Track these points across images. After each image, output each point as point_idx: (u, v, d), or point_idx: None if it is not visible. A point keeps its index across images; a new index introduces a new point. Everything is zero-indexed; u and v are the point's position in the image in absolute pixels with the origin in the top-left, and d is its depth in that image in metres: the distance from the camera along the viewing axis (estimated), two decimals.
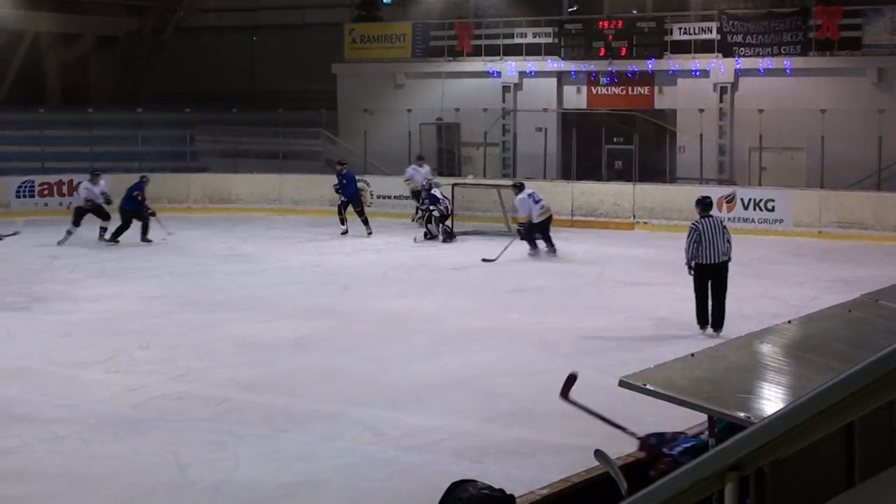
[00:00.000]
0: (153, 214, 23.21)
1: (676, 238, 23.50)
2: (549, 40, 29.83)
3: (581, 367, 12.11)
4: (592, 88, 29.61)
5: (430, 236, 23.62)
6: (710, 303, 13.72)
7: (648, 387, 4.35)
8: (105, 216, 23.10)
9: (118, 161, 29.49)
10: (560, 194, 25.57)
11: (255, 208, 28.84)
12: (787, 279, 18.12)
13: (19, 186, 28.35)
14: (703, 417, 5.52)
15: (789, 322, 5.59)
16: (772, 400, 4.29)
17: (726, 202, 24.30)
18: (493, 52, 30.51)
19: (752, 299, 14.99)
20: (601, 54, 28.84)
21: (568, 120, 30.34)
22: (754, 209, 24.31)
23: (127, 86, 34.78)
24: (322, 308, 15.71)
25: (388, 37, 32.19)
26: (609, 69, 28.95)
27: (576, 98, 29.91)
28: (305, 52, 33.74)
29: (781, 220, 24.30)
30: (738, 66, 27.52)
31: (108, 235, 22.83)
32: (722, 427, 5.73)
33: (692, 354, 4.84)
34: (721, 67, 27.67)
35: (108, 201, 23.28)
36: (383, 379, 11.70)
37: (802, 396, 2.38)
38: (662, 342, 13.05)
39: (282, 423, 10.04)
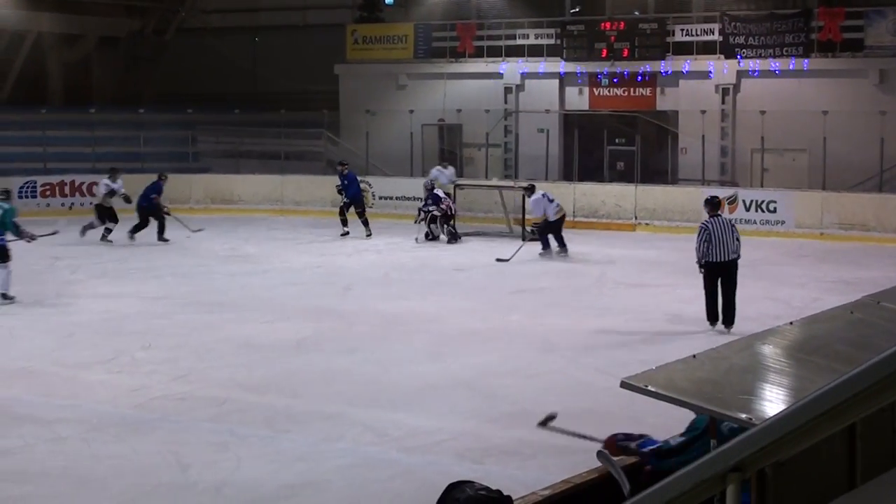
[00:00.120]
0: (167, 213, 23.41)
1: (678, 239, 23.58)
2: (551, 41, 29.83)
3: (582, 368, 12.18)
4: (594, 89, 29.60)
5: (431, 237, 23.60)
6: (720, 300, 13.94)
7: (650, 388, 4.35)
8: (114, 218, 23.18)
9: (120, 162, 29.44)
10: (562, 195, 25.43)
11: (257, 209, 28.85)
12: (789, 280, 18.12)
13: (21, 187, 28.32)
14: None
15: (791, 323, 5.59)
16: (773, 401, 4.29)
17: (728, 203, 24.27)
18: (495, 53, 30.50)
19: (754, 301, 14.98)
20: (603, 55, 28.83)
21: (570, 121, 30.34)
22: (756, 210, 24.32)
23: (129, 86, 34.77)
24: (324, 309, 15.71)
25: (390, 38, 32.19)
26: (611, 70, 28.94)
27: (578, 99, 29.90)
28: (307, 53, 33.75)
29: (783, 222, 24.30)
30: (740, 68, 27.50)
31: (108, 236, 22.82)
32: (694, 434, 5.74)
33: (694, 356, 4.84)
34: (723, 69, 27.66)
35: (128, 200, 23.46)
36: (385, 380, 11.71)
37: (804, 398, 2.38)
38: (664, 343, 13.04)
39: (283, 424, 10.05)
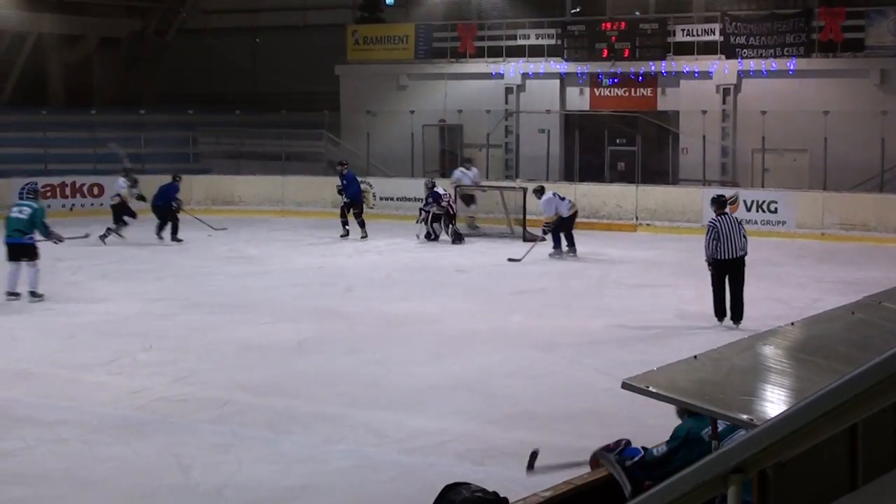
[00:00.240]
0: (179, 212, 23.69)
1: (679, 240, 23.60)
2: (552, 42, 29.83)
3: (583, 369, 12.18)
4: (595, 90, 29.60)
5: (433, 236, 23.59)
6: (727, 297, 14.26)
7: (651, 389, 4.35)
8: (120, 218, 23.33)
9: (121, 163, 29.48)
10: None
11: (258, 210, 28.85)
12: (790, 281, 18.11)
13: (22, 188, 28.28)
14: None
15: (792, 324, 5.59)
16: (775, 402, 4.29)
17: (729, 204, 24.27)
18: (495, 53, 30.50)
19: (755, 301, 14.97)
20: (604, 56, 28.83)
21: (571, 121, 30.35)
22: (757, 211, 24.31)
23: (130, 87, 34.78)
24: (325, 310, 15.71)
25: (391, 38, 32.19)
26: (612, 70, 28.94)
27: (578, 99, 29.90)
28: (308, 54, 33.75)
29: (784, 222, 24.29)
30: (740, 68, 27.50)
31: (106, 238, 22.85)
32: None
33: (695, 356, 4.84)
34: (724, 69, 27.65)
35: (143, 198, 23.70)
36: (386, 381, 11.71)
37: (805, 399, 2.38)
38: (665, 344, 13.03)
39: (284, 426, 10.04)
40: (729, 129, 27.78)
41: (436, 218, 23.64)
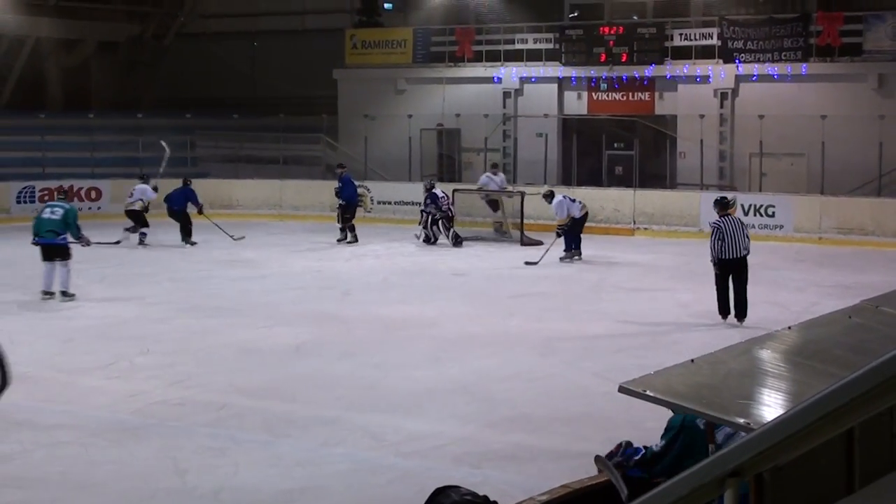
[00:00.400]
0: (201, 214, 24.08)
1: (677, 244, 23.62)
2: (550, 46, 29.86)
3: (581, 373, 12.18)
4: (593, 94, 29.63)
5: (433, 240, 23.59)
6: (731, 295, 14.63)
7: (648, 393, 4.34)
8: (144, 223, 23.59)
9: (119, 167, 29.52)
10: None
11: (256, 214, 28.85)
12: (788, 285, 18.12)
13: (20, 192, 28.36)
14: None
15: (789, 328, 5.59)
16: (772, 406, 4.28)
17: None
18: (493, 57, 30.52)
19: (753, 305, 14.97)
20: (602, 60, 28.85)
21: (568, 126, 30.35)
22: (754, 215, 24.31)
23: (128, 91, 34.81)
24: (322, 314, 15.71)
25: (389, 42, 32.21)
26: (610, 75, 28.96)
27: (576, 104, 29.94)
28: (306, 58, 33.78)
29: (782, 226, 24.31)
30: (738, 72, 27.52)
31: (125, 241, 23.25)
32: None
33: (692, 360, 4.83)
34: (721, 73, 27.68)
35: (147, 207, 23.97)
36: (384, 384, 11.70)
37: (802, 402, 2.38)
38: (662, 348, 13.03)
39: (282, 429, 10.04)
40: (727, 134, 27.81)
41: (434, 221, 23.65)
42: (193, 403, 10.94)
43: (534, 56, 30.05)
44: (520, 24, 30.82)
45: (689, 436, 5.58)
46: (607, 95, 29.43)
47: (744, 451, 2.47)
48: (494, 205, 25.33)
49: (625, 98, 29.21)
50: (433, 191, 23.89)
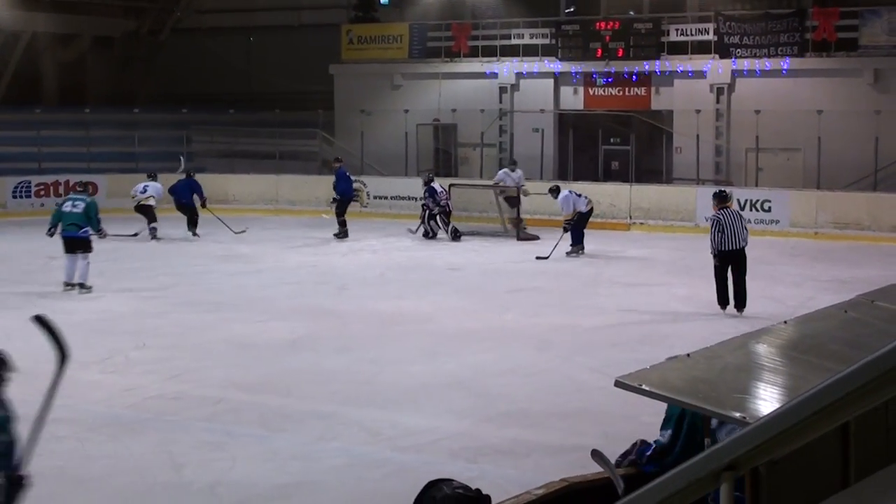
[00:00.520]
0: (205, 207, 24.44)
1: (673, 239, 23.63)
2: (546, 41, 29.83)
3: (577, 368, 12.19)
4: (589, 89, 29.62)
5: (431, 234, 23.57)
6: (730, 286, 14.93)
7: (644, 387, 4.35)
8: (154, 218, 23.94)
9: (115, 162, 29.51)
10: None
11: (252, 209, 28.82)
12: (784, 280, 18.13)
13: (16, 187, 28.34)
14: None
15: (785, 322, 5.60)
16: (767, 400, 4.29)
17: None
18: (490, 52, 30.50)
19: (749, 299, 15.00)
20: (598, 55, 28.84)
21: (565, 121, 30.35)
22: (751, 210, 24.30)
23: (124, 86, 34.75)
24: (318, 308, 15.70)
25: (385, 37, 32.18)
26: (606, 70, 28.95)
27: (573, 99, 29.92)
28: (302, 53, 33.72)
29: (778, 221, 24.32)
30: (734, 67, 27.52)
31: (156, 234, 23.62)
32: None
33: (688, 354, 4.84)
34: (718, 68, 27.67)
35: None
36: (379, 379, 11.71)
37: (798, 397, 2.38)
38: (658, 342, 13.04)
39: (278, 424, 10.04)
40: (723, 129, 27.81)
41: (432, 216, 23.64)
42: (189, 398, 10.94)
43: (530, 51, 30.03)
44: (516, 19, 30.79)
45: (690, 421, 5.60)
46: (603, 90, 29.42)
47: (739, 445, 2.47)
48: (512, 201, 25.29)
49: (621, 93, 29.20)
50: (431, 184, 23.86)
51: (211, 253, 21.71)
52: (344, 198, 24.22)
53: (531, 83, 30.00)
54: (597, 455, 5.74)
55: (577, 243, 21.13)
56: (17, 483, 5.68)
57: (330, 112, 32.11)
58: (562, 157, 30.16)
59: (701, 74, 27.86)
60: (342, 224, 23.94)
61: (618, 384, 4.44)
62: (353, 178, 25.26)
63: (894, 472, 3.02)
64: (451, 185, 25.25)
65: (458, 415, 10.34)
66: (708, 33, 28.01)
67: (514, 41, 30.38)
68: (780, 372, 4.74)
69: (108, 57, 35.34)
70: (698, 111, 26.96)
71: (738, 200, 24.45)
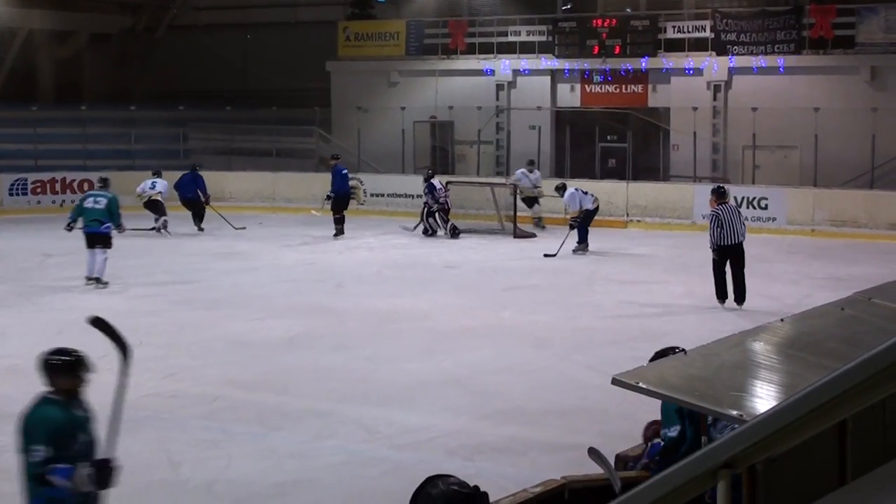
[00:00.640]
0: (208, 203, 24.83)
1: (670, 236, 23.64)
2: (543, 38, 29.82)
3: (574, 365, 12.19)
4: (586, 86, 29.61)
5: (430, 232, 23.56)
6: (728, 281, 15.15)
7: (641, 385, 4.34)
8: (164, 212, 24.30)
9: (111, 159, 29.45)
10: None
11: (249, 206, 28.80)
12: (781, 277, 18.13)
13: (12, 184, 28.32)
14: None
15: (782, 320, 5.59)
16: (764, 398, 4.28)
17: None
18: (486, 50, 30.49)
19: (747, 296, 15.01)
20: (595, 52, 28.84)
21: (562, 118, 30.35)
22: (748, 207, 24.30)
23: (120, 83, 34.73)
24: (315, 306, 15.69)
25: (382, 35, 32.17)
26: (603, 67, 28.95)
27: (569, 96, 29.92)
28: (299, 50, 33.69)
29: (775, 219, 24.32)
30: (731, 65, 27.52)
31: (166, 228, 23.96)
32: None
33: (685, 352, 4.84)
34: (715, 65, 27.67)
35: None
36: (376, 377, 11.70)
37: (795, 394, 2.37)
38: (655, 340, 13.01)
39: (275, 422, 10.03)
40: (720, 126, 27.82)
41: (431, 213, 23.64)
42: (186, 396, 10.94)
43: (527, 48, 30.02)
44: (513, 16, 30.80)
45: (691, 413, 5.60)
46: (600, 88, 29.43)
47: (736, 443, 2.47)
48: (530, 202, 25.30)
49: (618, 90, 29.20)
50: (431, 181, 23.87)
51: (208, 250, 21.69)
52: (340, 195, 24.18)
53: (528, 80, 29.99)
54: (593, 453, 5.73)
55: (583, 241, 21.15)
56: (104, 467, 5.87)
57: (327, 109, 32.10)
58: (559, 154, 30.16)
59: (698, 72, 27.86)
60: (339, 221, 23.91)
61: (615, 382, 4.43)
62: (350, 175, 25.21)
63: (891, 469, 3.01)
64: (448, 183, 25.25)
65: (455, 412, 10.34)
66: (705, 30, 28.01)
67: (510, 38, 30.37)
68: (777, 369, 4.73)
69: (105, 54, 35.30)
70: (695, 108, 26.97)
71: (735, 198, 24.41)
